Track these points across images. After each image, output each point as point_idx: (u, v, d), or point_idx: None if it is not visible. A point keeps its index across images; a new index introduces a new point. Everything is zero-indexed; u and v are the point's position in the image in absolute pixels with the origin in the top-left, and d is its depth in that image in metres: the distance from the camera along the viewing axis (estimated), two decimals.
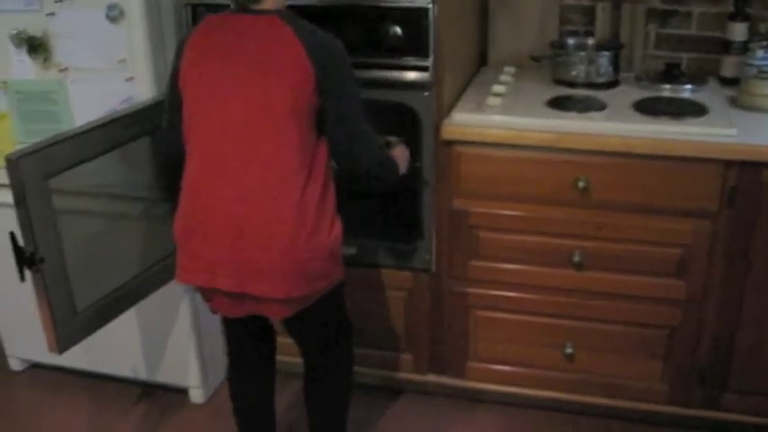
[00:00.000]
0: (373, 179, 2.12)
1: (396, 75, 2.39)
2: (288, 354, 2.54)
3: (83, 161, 2.10)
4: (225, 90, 1.94)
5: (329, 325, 2.24)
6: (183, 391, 2.87)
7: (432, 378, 2.80)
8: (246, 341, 2.30)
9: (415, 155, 2.48)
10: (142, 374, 2.87)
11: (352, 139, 1.98)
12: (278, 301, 1.99)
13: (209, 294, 2.07)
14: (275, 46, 1.91)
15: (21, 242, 1.95)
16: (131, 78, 2.40)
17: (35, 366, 3.08)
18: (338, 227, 2.04)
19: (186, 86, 1.99)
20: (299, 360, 2.33)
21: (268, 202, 1.92)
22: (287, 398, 2.83)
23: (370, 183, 2.17)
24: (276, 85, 1.89)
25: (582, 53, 2.74)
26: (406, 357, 2.78)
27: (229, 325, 2.26)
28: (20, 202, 1.93)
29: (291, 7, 2.10)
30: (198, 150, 1.99)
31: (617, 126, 2.34)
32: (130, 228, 2.39)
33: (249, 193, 1.92)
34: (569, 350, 2.58)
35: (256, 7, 1.96)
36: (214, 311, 2.15)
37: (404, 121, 2.57)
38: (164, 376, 2.85)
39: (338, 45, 1.96)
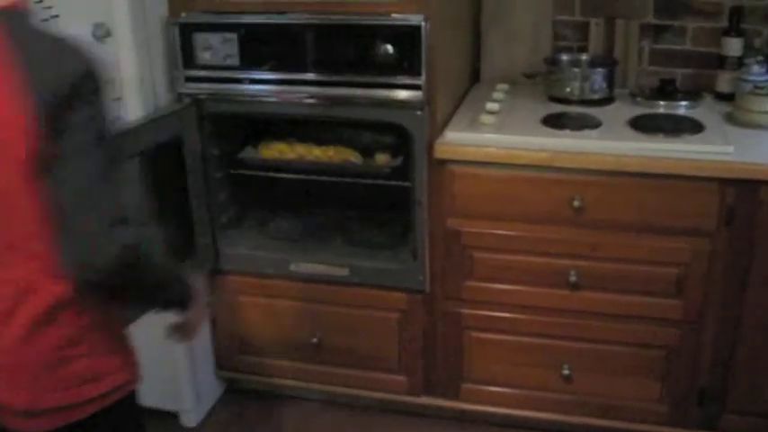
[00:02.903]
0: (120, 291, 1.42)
1: (388, 93, 2.36)
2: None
3: None
4: None
5: None
6: (174, 415, 2.82)
7: (426, 400, 2.75)
8: None
9: (408, 174, 2.45)
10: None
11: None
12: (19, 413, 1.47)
13: None
14: None
15: None
16: (118, 99, 2.36)
17: None
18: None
19: None
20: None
21: None
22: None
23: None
24: None
25: (576, 70, 2.71)
26: (400, 379, 2.74)
27: None
28: None
29: (280, 25, 2.07)
30: None
31: (612, 144, 2.31)
32: None
33: None
34: (566, 371, 2.54)
35: None
36: None
37: (396, 140, 2.56)
38: (154, 399, 2.79)
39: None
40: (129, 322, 1.60)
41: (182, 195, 2.54)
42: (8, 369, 1.44)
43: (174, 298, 1.53)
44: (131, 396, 1.57)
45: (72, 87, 1.28)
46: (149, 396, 2.74)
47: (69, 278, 1.33)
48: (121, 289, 1.39)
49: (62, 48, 1.33)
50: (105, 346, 1.49)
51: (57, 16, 2.31)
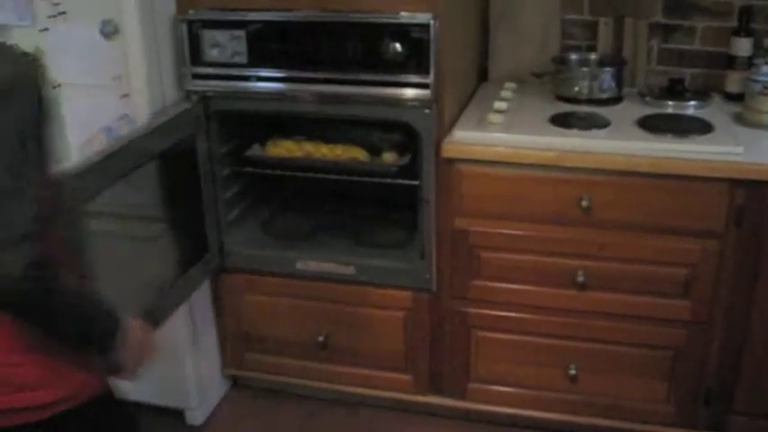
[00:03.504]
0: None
1: (395, 92, 2.35)
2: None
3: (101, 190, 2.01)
4: None
5: None
6: (179, 413, 2.81)
7: (432, 399, 2.75)
8: None
9: (415, 173, 2.45)
10: (135, 395, 2.80)
11: None
12: None
13: None
14: None
15: None
16: (126, 95, 2.36)
17: None
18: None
19: None
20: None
21: None
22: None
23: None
24: None
25: (584, 69, 2.70)
26: (406, 378, 2.73)
27: None
28: None
29: (289, 23, 2.07)
30: None
31: (621, 144, 2.30)
32: (143, 250, 2.34)
33: None
34: (573, 371, 2.53)
35: None
36: None
37: (404, 138, 2.55)
38: (159, 397, 2.80)
39: None
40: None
41: (193, 194, 2.54)
42: None
43: (96, 333, 1.43)
44: (83, 410, 1.47)
45: None
46: (154, 394, 2.78)
47: None
48: (28, 310, 1.32)
49: None
50: (38, 361, 1.41)
51: (64, 13, 2.31)
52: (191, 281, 2.52)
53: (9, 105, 1.26)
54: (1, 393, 1.40)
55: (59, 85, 2.39)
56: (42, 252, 1.28)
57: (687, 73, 2.81)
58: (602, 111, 2.57)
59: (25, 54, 1.36)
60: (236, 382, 2.97)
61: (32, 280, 1.26)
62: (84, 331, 1.42)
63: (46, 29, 2.34)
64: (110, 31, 2.30)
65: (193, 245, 2.55)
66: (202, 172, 2.55)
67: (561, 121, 2.48)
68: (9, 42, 1.38)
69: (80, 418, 1.46)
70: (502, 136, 2.38)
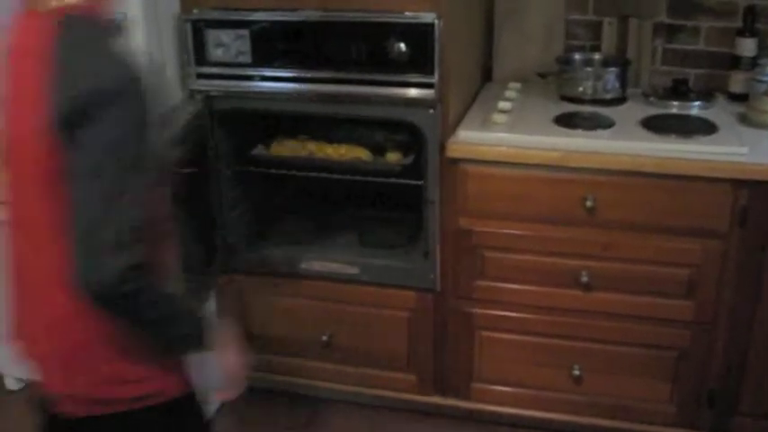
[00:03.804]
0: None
1: (400, 92, 2.35)
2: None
3: None
4: None
5: None
6: None
7: (436, 399, 2.75)
8: None
9: (419, 173, 2.45)
10: None
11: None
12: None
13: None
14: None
15: None
16: None
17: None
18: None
19: None
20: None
21: None
22: None
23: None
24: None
25: (589, 69, 2.70)
26: (410, 378, 2.73)
27: None
28: None
29: (293, 23, 2.05)
30: None
31: (625, 144, 2.30)
32: None
33: None
34: (576, 372, 2.53)
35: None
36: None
37: (408, 138, 2.55)
38: None
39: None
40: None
41: (203, 197, 2.54)
42: (43, 356, 1.51)
43: (185, 333, 1.49)
44: (171, 405, 1.54)
45: (92, 103, 1.27)
46: None
47: (75, 289, 1.32)
48: (124, 311, 1.36)
49: (101, 63, 1.33)
50: (131, 356, 1.47)
51: None
52: (207, 284, 2.54)
53: (125, 107, 1.30)
54: (100, 384, 1.48)
55: None
56: (144, 255, 1.33)
57: (691, 73, 2.80)
58: (606, 111, 2.57)
59: (131, 56, 1.39)
60: None
61: (131, 281, 1.31)
62: (172, 335, 1.47)
63: None
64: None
65: (205, 249, 2.54)
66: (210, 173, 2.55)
67: (565, 121, 2.48)
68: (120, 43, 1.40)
69: (163, 413, 1.53)
70: (506, 136, 2.38)
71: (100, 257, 1.29)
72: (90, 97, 1.28)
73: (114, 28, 1.47)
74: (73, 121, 1.28)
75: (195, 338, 1.49)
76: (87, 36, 1.36)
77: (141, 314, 1.38)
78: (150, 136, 1.35)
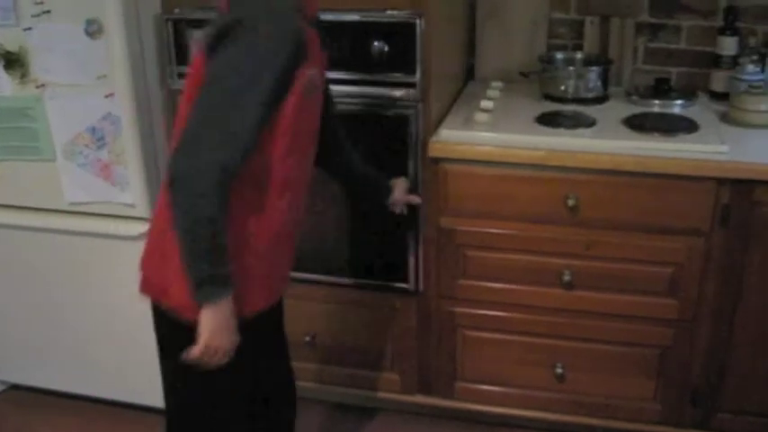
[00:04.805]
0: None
1: (382, 91, 2.34)
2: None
3: None
4: None
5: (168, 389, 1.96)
6: None
7: (419, 398, 2.74)
8: None
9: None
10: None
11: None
12: None
13: None
14: None
15: None
16: (111, 94, 2.34)
17: (14, 388, 3.01)
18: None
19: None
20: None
21: None
22: None
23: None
24: None
25: (571, 68, 2.71)
26: (394, 377, 2.73)
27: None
28: None
29: None
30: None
31: (607, 143, 2.30)
32: None
33: None
34: (559, 370, 2.53)
35: None
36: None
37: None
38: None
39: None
40: None
41: None
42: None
43: (193, 265, 1.56)
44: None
45: (225, 29, 1.54)
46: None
47: (166, 172, 1.53)
48: (178, 202, 1.52)
49: (257, 3, 1.60)
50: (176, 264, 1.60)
51: (48, 12, 2.30)
52: None
53: (255, 39, 1.55)
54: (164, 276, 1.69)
55: (44, 85, 2.39)
56: (237, 168, 1.54)
57: (673, 72, 2.82)
58: (588, 110, 2.58)
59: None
60: None
61: (205, 180, 1.49)
62: (187, 259, 1.57)
63: (29, 28, 2.33)
64: (94, 29, 2.28)
65: None
66: None
67: (548, 120, 2.48)
68: None
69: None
70: (488, 135, 2.38)
71: (196, 147, 1.50)
72: (233, 23, 1.54)
73: None
74: (217, 40, 1.55)
75: (195, 278, 1.56)
76: None
77: (183, 213, 1.52)
78: (269, 74, 1.55)
